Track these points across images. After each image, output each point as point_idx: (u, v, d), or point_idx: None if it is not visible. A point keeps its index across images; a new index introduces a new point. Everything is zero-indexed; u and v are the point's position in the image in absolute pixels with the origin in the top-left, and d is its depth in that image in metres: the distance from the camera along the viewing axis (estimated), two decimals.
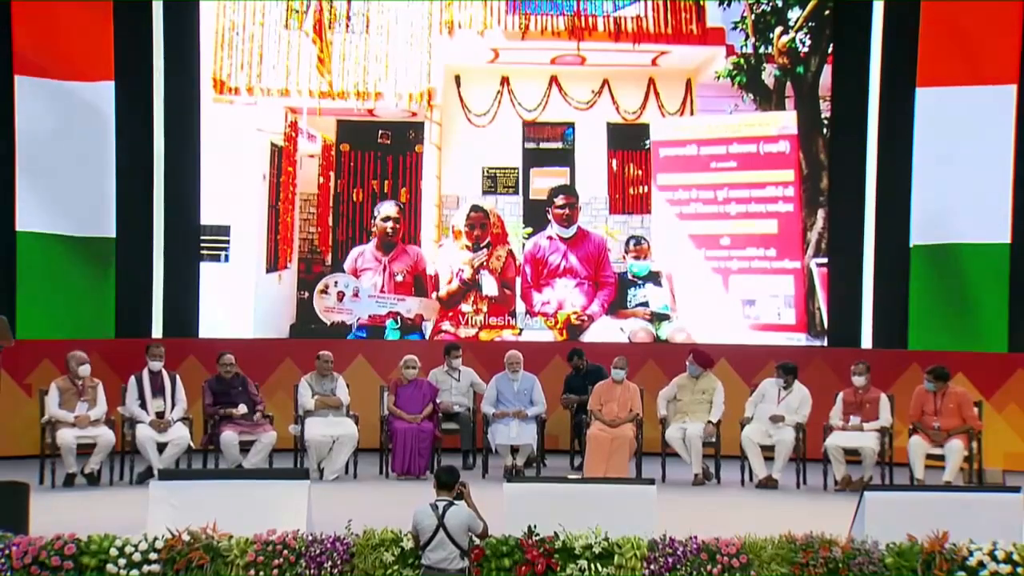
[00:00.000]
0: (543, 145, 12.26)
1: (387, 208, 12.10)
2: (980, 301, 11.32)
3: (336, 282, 12.09)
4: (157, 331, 11.90)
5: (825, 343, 11.85)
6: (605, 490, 7.05)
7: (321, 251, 12.14)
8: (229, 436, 9.81)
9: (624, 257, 12.12)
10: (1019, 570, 6.30)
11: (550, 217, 12.19)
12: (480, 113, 12.20)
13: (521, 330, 12.14)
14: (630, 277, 12.13)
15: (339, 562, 6.34)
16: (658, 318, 12.10)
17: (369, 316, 12.06)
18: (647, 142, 12.15)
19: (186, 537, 6.40)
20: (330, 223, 12.15)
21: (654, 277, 12.13)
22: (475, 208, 12.15)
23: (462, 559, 6.29)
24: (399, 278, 12.09)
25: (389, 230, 12.07)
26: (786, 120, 11.97)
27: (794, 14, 11.96)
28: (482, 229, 12.14)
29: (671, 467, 10.19)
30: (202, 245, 12.01)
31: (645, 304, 12.13)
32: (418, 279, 12.14)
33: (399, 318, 12.05)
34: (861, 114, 11.78)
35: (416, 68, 12.11)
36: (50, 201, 11.37)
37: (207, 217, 12.02)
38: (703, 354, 10.58)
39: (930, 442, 9.66)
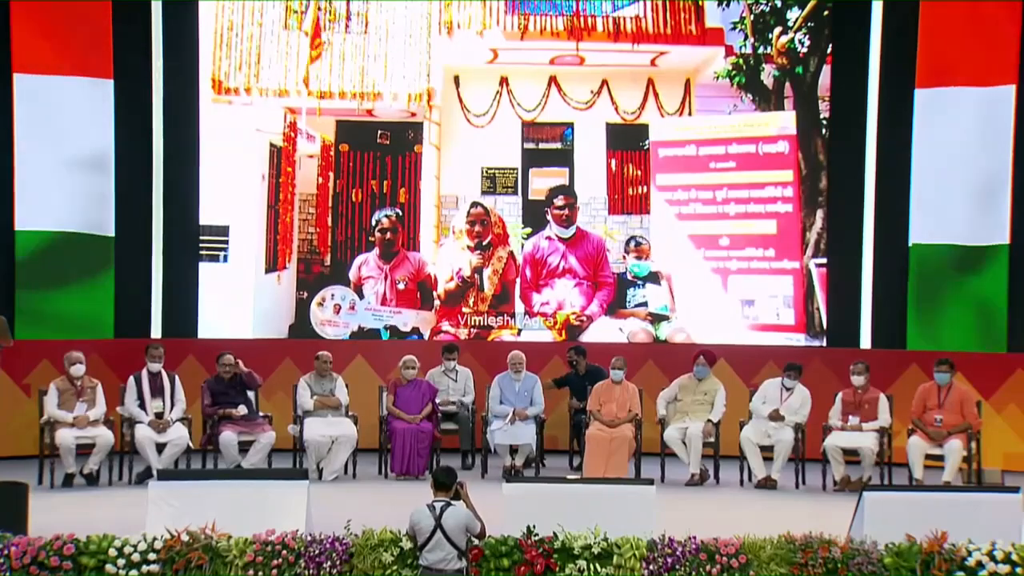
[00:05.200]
0: (542, 145, 12.25)
1: (383, 219, 12.09)
2: (980, 301, 11.32)
3: (333, 294, 12.07)
4: (156, 331, 11.90)
5: (824, 343, 11.84)
6: (604, 490, 7.04)
7: (320, 251, 12.13)
8: (228, 436, 9.81)
9: (624, 257, 12.12)
10: (1018, 570, 6.31)
11: (549, 217, 12.18)
12: (479, 113, 12.20)
13: (520, 330, 12.13)
14: (629, 277, 12.13)
15: (338, 562, 6.34)
16: (657, 318, 12.09)
17: (360, 327, 12.03)
18: (646, 142, 12.14)
19: (185, 537, 6.40)
20: (329, 223, 12.14)
21: (653, 277, 12.12)
22: (475, 204, 12.15)
23: (460, 559, 6.29)
24: (400, 286, 12.07)
25: (387, 238, 12.07)
26: (785, 120, 11.96)
27: (793, 14, 11.96)
28: (483, 226, 12.13)
29: (670, 467, 10.19)
30: (201, 245, 12.00)
31: (644, 304, 12.13)
32: (421, 285, 12.12)
33: (393, 330, 12.01)
34: (860, 114, 11.77)
35: (415, 68, 12.11)
36: (49, 200, 11.36)
37: (206, 217, 12.02)
38: (712, 354, 10.58)
39: (929, 441, 9.66)
